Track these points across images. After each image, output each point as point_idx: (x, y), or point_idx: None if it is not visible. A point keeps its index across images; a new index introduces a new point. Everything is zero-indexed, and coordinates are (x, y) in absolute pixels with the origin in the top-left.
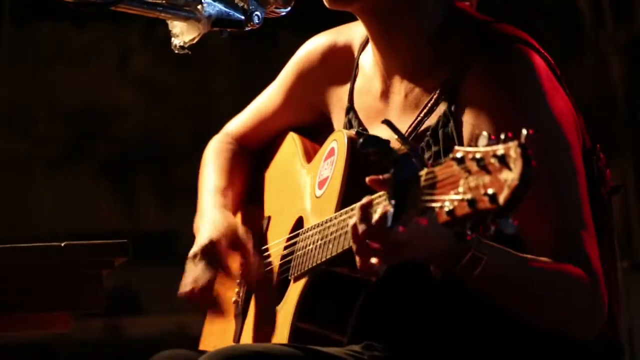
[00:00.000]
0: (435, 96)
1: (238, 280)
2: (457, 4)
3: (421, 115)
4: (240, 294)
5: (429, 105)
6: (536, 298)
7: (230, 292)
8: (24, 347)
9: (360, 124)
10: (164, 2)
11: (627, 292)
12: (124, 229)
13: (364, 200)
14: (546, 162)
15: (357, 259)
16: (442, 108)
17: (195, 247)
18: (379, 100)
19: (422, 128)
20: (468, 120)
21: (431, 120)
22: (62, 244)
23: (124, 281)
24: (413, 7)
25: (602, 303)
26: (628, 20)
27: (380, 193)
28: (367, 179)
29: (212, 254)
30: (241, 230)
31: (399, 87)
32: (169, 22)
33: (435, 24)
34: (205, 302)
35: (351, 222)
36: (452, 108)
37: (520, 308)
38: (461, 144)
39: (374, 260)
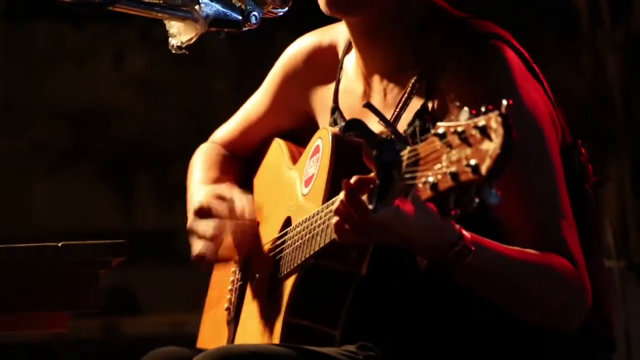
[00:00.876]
0: (408, 90)
1: (230, 287)
2: (437, 1)
3: (397, 110)
4: (232, 300)
5: (403, 99)
6: (521, 290)
7: (214, 320)
8: (21, 347)
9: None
10: (161, 2)
11: (624, 292)
12: (123, 228)
13: (352, 180)
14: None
15: (336, 233)
16: (417, 103)
17: (189, 216)
18: (361, 100)
19: (399, 123)
20: (442, 115)
21: (408, 116)
22: (59, 244)
23: (122, 281)
24: (399, 15)
25: (586, 291)
26: (625, 20)
27: (373, 174)
28: (362, 149)
29: (204, 214)
30: (225, 187)
31: (379, 87)
32: (166, 22)
33: (415, 23)
34: (218, 255)
35: (337, 202)
36: (429, 103)
37: (505, 300)
38: None
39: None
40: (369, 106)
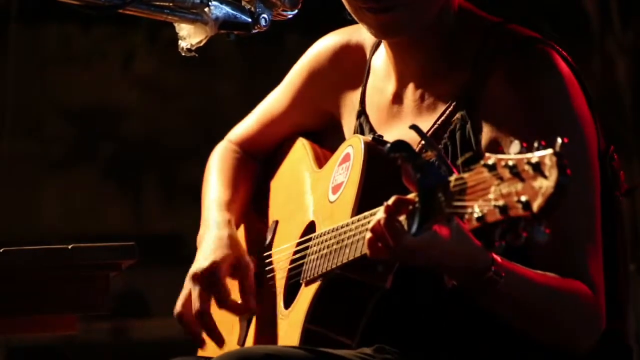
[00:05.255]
0: (454, 103)
1: (233, 307)
2: (465, 5)
3: (439, 121)
4: None
5: (448, 111)
6: (538, 315)
7: (225, 317)
8: (31, 349)
9: (371, 128)
10: (171, 4)
11: (635, 295)
12: (131, 231)
13: (391, 200)
14: None
15: (368, 249)
16: (460, 113)
17: (195, 267)
18: (392, 103)
19: (440, 133)
20: (487, 123)
21: (449, 125)
22: (70, 247)
23: (131, 283)
24: (436, 20)
25: (601, 318)
26: (635, 22)
27: (412, 195)
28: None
29: (211, 277)
30: (245, 256)
31: (414, 91)
32: (176, 24)
33: (448, 27)
34: (195, 328)
35: (376, 216)
36: (471, 112)
37: (521, 323)
38: (478, 147)
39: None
40: (415, 129)
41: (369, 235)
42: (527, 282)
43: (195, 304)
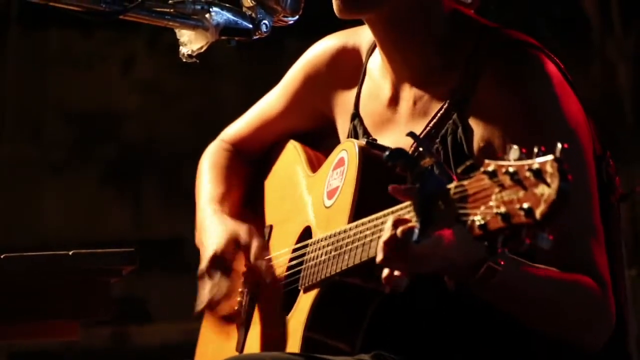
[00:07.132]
0: (446, 106)
1: (241, 289)
2: (462, 10)
3: (431, 124)
4: (243, 304)
5: (440, 114)
6: (546, 309)
7: (223, 323)
8: (32, 355)
9: (365, 131)
10: (172, 11)
11: (635, 300)
12: (130, 235)
13: (394, 215)
14: None
15: (384, 271)
16: (452, 117)
17: (203, 263)
18: (387, 107)
19: (432, 137)
20: (478, 127)
21: (440, 129)
22: (71, 252)
23: (131, 288)
24: (422, 15)
25: (611, 313)
26: (636, 27)
27: (406, 204)
28: (389, 188)
29: (221, 264)
30: (243, 231)
31: (408, 94)
32: (177, 30)
33: (442, 30)
34: (224, 313)
35: (384, 236)
36: (462, 115)
37: (529, 318)
38: (470, 151)
39: (397, 272)
40: (412, 136)
41: (383, 259)
42: (528, 276)
43: (217, 292)
